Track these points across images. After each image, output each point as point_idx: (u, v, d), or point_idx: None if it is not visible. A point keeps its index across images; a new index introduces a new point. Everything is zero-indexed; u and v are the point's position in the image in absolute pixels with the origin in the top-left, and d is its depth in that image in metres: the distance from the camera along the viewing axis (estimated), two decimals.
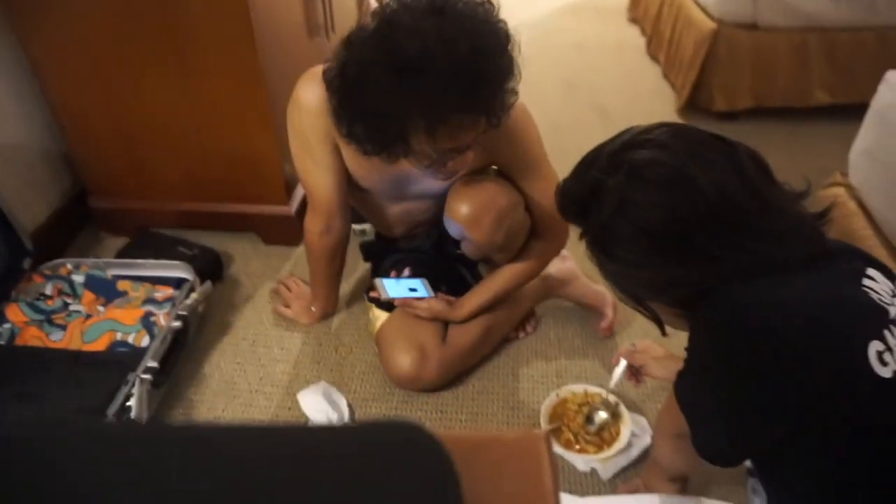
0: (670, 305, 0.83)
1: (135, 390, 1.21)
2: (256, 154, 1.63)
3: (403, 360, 1.31)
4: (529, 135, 1.24)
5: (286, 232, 1.76)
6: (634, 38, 2.99)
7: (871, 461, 0.69)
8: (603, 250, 0.81)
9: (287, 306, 1.56)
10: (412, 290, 1.32)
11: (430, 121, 1.00)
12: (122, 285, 1.47)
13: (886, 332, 0.71)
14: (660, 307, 0.84)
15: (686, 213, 0.74)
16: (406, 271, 1.36)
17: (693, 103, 2.33)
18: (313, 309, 1.53)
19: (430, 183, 1.29)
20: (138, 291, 1.47)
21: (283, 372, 1.43)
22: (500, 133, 1.10)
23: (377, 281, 1.35)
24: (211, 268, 1.64)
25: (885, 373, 0.68)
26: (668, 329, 0.89)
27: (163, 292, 1.47)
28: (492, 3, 1.02)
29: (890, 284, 0.78)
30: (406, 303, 1.34)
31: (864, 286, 0.75)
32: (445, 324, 1.38)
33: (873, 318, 0.72)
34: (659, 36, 2.70)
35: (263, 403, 1.36)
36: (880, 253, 1.33)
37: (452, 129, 1.02)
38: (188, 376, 1.41)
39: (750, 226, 0.73)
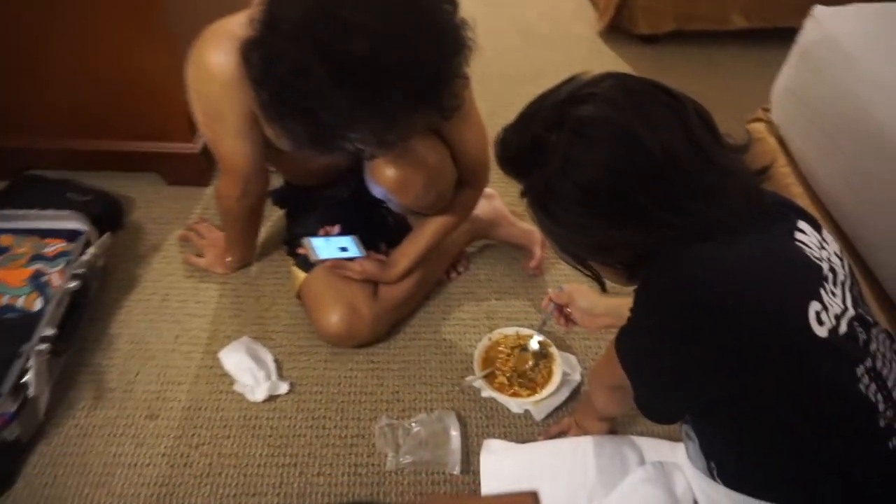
0: (612, 266, 0.81)
1: (31, 363, 1.09)
2: (154, 83, 1.45)
3: (333, 318, 1.26)
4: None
5: (192, 171, 1.61)
6: None
7: (801, 418, 0.72)
8: (544, 209, 0.78)
9: (199, 255, 1.46)
10: (343, 249, 1.25)
11: (379, 125, 0.90)
12: (2, 240, 1.31)
13: (822, 291, 0.73)
14: (601, 267, 0.83)
15: (631, 173, 0.71)
16: (336, 228, 1.29)
17: (615, 25, 2.28)
18: (229, 258, 1.43)
19: None
20: (23, 247, 1.31)
21: (201, 328, 1.34)
22: None
23: (305, 241, 1.27)
24: (109, 215, 1.49)
25: (822, 332, 0.70)
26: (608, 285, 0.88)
27: (53, 246, 1.32)
28: None
29: (818, 235, 0.79)
30: (337, 264, 1.27)
31: (798, 241, 0.77)
32: None
33: (810, 277, 0.74)
34: None
35: (182, 364, 1.28)
36: (797, 191, 1.38)
37: (401, 129, 0.94)
38: (94, 340, 1.30)
39: (693, 186, 0.72)
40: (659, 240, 0.73)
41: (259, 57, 0.90)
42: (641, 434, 1.15)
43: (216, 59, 1.04)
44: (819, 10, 1.39)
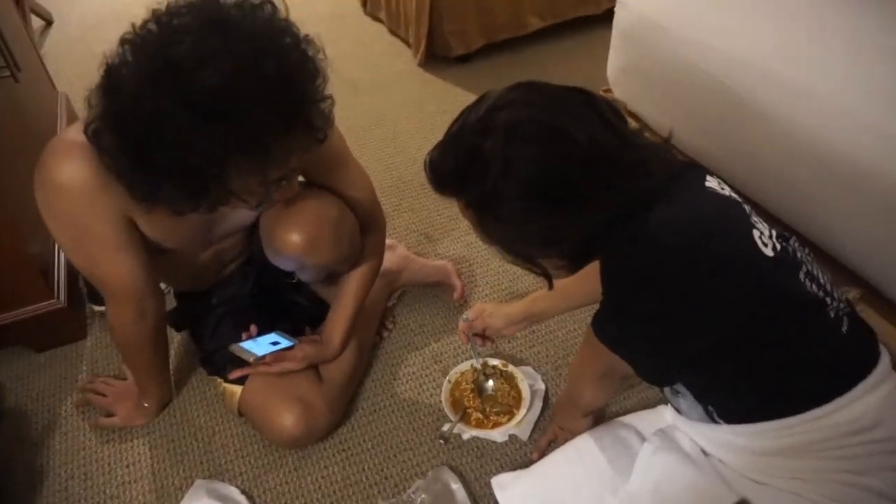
0: (561, 258, 0.85)
1: None
2: None
3: (287, 421, 1.17)
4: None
5: (62, 329, 1.44)
6: (346, 2, 2.94)
7: (775, 332, 0.81)
8: (491, 213, 0.81)
9: (109, 414, 1.30)
10: (274, 343, 1.18)
11: (254, 158, 0.86)
12: None
13: (753, 220, 0.84)
14: (550, 262, 0.87)
15: (565, 164, 0.77)
16: (254, 330, 1.21)
17: (432, 54, 2.39)
18: (146, 404, 1.29)
19: (240, 214, 1.15)
20: None
21: (143, 493, 1.19)
22: None
23: (235, 349, 1.18)
24: None
25: (769, 252, 0.81)
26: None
27: None
28: (271, 2, 0.89)
29: (717, 179, 0.90)
30: (277, 357, 1.19)
31: (710, 187, 0.86)
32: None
33: (739, 211, 0.85)
34: None
35: None
36: None
37: (278, 158, 0.89)
38: None
39: (619, 165, 0.79)
40: (601, 220, 0.79)
41: (111, 128, 0.85)
42: (618, 414, 1.21)
43: (67, 171, 0.95)
44: None
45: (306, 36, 0.90)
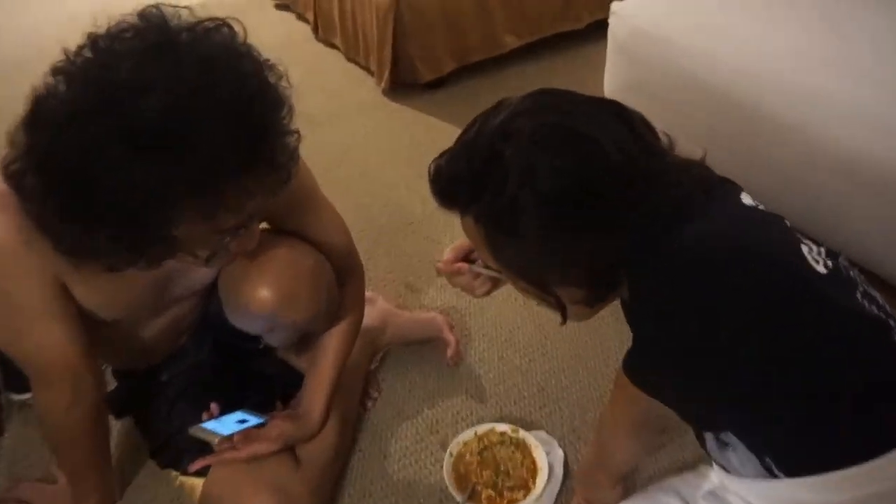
0: (581, 286, 0.85)
1: None
2: None
3: None
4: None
5: None
6: (295, 27, 2.98)
7: (838, 359, 0.80)
8: (505, 229, 0.80)
9: None
10: (241, 421, 1.13)
11: (204, 200, 0.83)
12: None
13: (798, 235, 0.85)
14: (567, 292, 0.86)
15: (594, 176, 0.78)
16: (214, 408, 1.16)
17: (397, 81, 2.41)
18: None
19: (198, 272, 1.12)
20: None
21: None
22: None
23: (196, 431, 1.12)
24: None
25: (821, 269, 0.82)
26: None
27: None
28: (225, 23, 0.88)
29: (749, 196, 0.91)
30: (245, 438, 1.14)
31: (747, 203, 0.87)
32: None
33: (783, 227, 0.86)
34: (326, 18, 2.72)
35: None
36: None
37: (234, 202, 0.87)
38: None
39: (649, 178, 0.80)
40: (626, 241, 0.79)
41: (35, 166, 0.82)
42: (651, 479, 1.18)
43: None
44: (618, 6, 1.63)
45: (267, 60, 0.89)
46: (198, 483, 1.17)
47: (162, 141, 0.77)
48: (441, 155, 0.85)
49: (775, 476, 0.89)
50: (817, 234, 1.38)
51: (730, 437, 0.92)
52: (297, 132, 0.92)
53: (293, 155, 0.92)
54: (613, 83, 1.72)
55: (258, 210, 0.93)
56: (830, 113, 1.34)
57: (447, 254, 1.01)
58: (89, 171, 0.78)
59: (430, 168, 0.85)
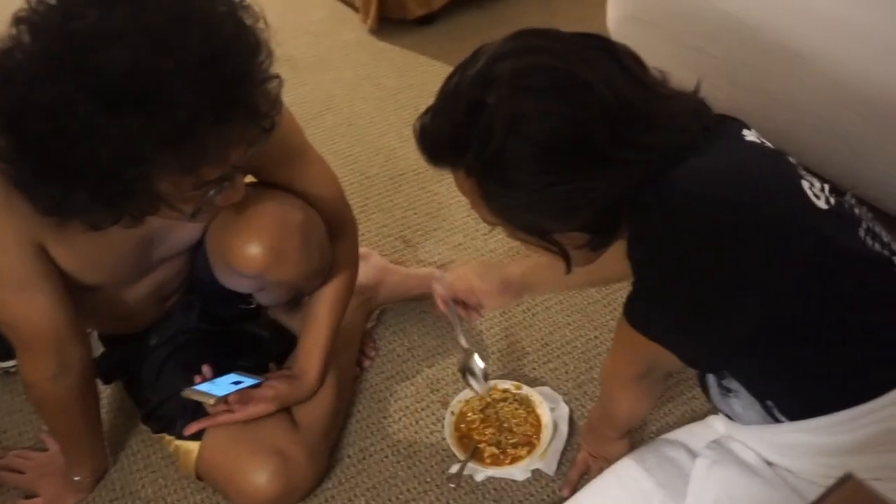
0: (581, 230, 0.87)
1: None
2: None
3: (261, 479, 1.16)
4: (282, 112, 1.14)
5: None
6: None
7: (836, 299, 0.84)
8: (498, 181, 0.82)
9: (31, 496, 1.26)
10: (235, 383, 1.17)
11: (183, 153, 0.84)
12: None
13: (800, 171, 0.88)
14: (569, 239, 0.88)
15: (584, 117, 0.79)
16: (208, 370, 1.19)
17: (386, 17, 2.39)
18: (77, 477, 1.26)
19: (183, 231, 1.14)
20: None
21: None
22: None
23: (189, 393, 1.16)
24: None
25: (822, 205, 0.84)
26: None
27: None
28: None
29: (754, 132, 0.93)
30: (241, 398, 1.18)
31: (749, 139, 0.89)
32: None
33: (785, 162, 0.88)
34: None
35: None
36: None
37: (215, 154, 0.88)
38: None
39: (644, 117, 0.81)
40: (628, 182, 0.81)
41: (5, 125, 0.83)
42: (659, 433, 1.23)
43: None
44: None
45: (242, 1, 0.88)
46: (193, 446, 1.21)
47: (132, 96, 0.78)
48: (425, 112, 0.85)
49: (778, 420, 0.93)
50: (839, 175, 1.40)
51: (732, 384, 0.96)
52: (278, 77, 0.92)
53: (275, 102, 0.92)
54: (617, 11, 1.70)
55: (242, 161, 0.94)
56: (859, 44, 1.31)
57: (438, 289, 1.23)
58: (60, 130, 0.80)
59: (414, 126, 0.86)
